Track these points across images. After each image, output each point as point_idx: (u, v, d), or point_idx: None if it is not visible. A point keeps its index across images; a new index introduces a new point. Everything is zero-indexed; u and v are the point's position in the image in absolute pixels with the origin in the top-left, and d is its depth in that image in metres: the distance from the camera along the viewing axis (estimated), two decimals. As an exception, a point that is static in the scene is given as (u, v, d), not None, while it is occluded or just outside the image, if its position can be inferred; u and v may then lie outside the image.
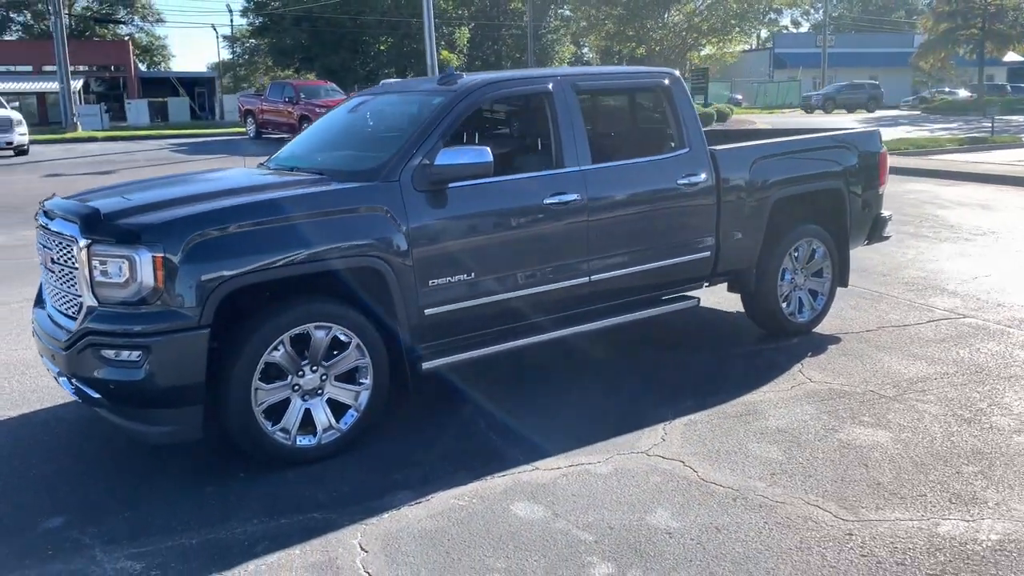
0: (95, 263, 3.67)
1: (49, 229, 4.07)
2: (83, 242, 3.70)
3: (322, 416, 4.03)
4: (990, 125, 24.94)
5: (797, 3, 50.90)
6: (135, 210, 3.88)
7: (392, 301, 4.12)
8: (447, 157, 4.23)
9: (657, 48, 45.39)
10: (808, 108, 47.00)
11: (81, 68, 44.42)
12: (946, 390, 4.85)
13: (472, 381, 5.01)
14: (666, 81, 5.37)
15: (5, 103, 23.61)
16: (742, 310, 6.07)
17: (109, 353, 3.65)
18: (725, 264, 5.49)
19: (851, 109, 46.48)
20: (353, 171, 4.43)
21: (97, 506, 3.66)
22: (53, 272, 4.08)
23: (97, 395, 3.70)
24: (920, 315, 6.41)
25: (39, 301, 4.48)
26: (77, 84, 40.74)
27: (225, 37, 58.78)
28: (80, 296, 3.78)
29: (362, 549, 3.28)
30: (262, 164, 5.37)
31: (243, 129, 29.28)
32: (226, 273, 3.68)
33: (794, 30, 77.19)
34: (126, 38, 56.91)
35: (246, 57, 58.82)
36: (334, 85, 29.41)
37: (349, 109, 5.61)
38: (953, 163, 17.32)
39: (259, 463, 3.94)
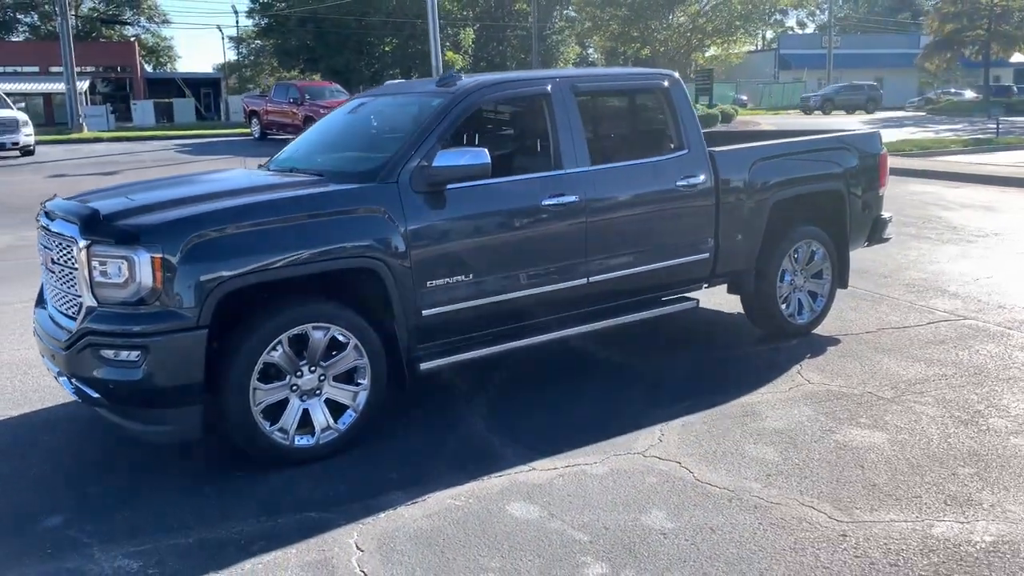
0: (94, 264, 3.70)
1: (49, 230, 4.10)
2: (83, 243, 3.72)
3: (320, 416, 4.05)
4: (995, 126, 24.88)
5: (803, 4, 50.83)
6: (134, 211, 3.90)
7: (390, 302, 4.14)
8: (445, 159, 4.25)
9: (662, 49, 45.41)
10: (806, 109, 46.80)
11: (87, 69, 44.60)
12: (944, 392, 4.85)
13: (470, 382, 5.03)
14: (665, 83, 5.38)
15: (11, 104, 23.69)
16: (742, 311, 6.08)
17: (108, 353, 3.68)
18: (724, 265, 5.50)
19: (850, 110, 46.26)
20: (352, 172, 4.46)
21: (96, 505, 3.69)
22: (54, 272, 4.11)
23: (96, 395, 3.73)
24: (920, 317, 6.41)
25: (40, 301, 4.52)
26: (83, 85, 40.89)
27: (231, 38, 59.25)
28: (80, 296, 3.81)
29: (358, 548, 3.30)
30: (262, 165, 5.40)
31: (248, 130, 29.35)
32: (224, 274, 3.70)
33: (800, 31, 77.10)
34: (132, 39, 57.08)
35: (251, 58, 59.00)
36: (338, 86, 29.49)
37: (349, 110, 5.63)
38: (957, 164, 17.29)
39: (257, 463, 3.96)
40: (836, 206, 6.02)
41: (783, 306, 5.82)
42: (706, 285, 5.65)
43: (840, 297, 6.31)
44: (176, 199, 4.08)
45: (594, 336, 5.17)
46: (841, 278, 6.09)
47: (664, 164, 5.22)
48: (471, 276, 4.40)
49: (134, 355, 3.63)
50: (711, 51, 48.88)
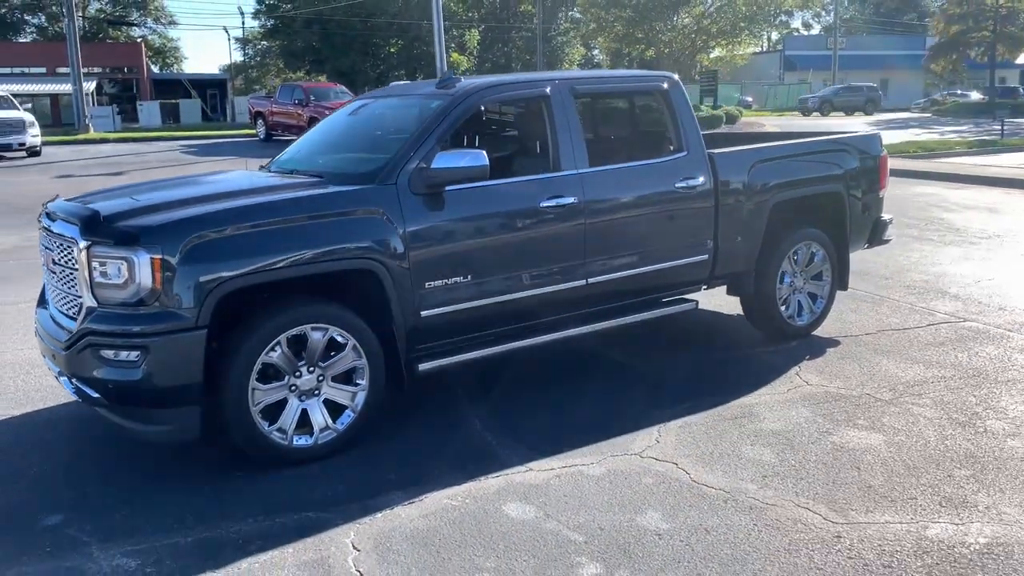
0: (94, 264, 3.73)
1: (51, 231, 4.14)
2: (83, 244, 3.76)
3: (319, 416, 4.07)
4: (1000, 128, 24.82)
5: (808, 5, 50.74)
6: (134, 212, 3.93)
7: (389, 303, 4.16)
8: (444, 160, 4.27)
9: (666, 50, 45.40)
10: (804, 111, 46.64)
11: (94, 70, 44.77)
12: (942, 394, 4.85)
13: (468, 382, 5.05)
14: (664, 84, 5.40)
15: (18, 105, 23.80)
16: (741, 313, 6.09)
17: (108, 353, 3.71)
18: (723, 267, 5.51)
19: (849, 112, 46.06)
20: (351, 174, 4.48)
21: (95, 504, 3.71)
22: (55, 273, 4.14)
23: (96, 395, 3.76)
24: (920, 319, 6.41)
25: (42, 302, 4.56)
26: (90, 86, 41.07)
27: (237, 39, 59.10)
28: (80, 297, 3.84)
29: (354, 548, 3.32)
30: (264, 166, 5.43)
31: (253, 131, 29.44)
32: (223, 275, 3.72)
33: (805, 32, 76.99)
34: (139, 40, 57.31)
35: (258, 59, 59.16)
36: (343, 87, 29.56)
37: (349, 112, 5.66)
38: (961, 166, 17.26)
39: (256, 462, 3.99)
40: (836, 208, 6.02)
41: (783, 308, 5.83)
42: (705, 287, 5.66)
43: (841, 299, 6.32)
44: (176, 200, 4.11)
45: (595, 336, 5.18)
46: (841, 280, 6.10)
47: (663, 166, 5.23)
48: (470, 277, 4.41)
49: (133, 355, 3.66)
50: (716, 52, 48.87)
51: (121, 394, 3.72)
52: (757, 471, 3.91)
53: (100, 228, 3.78)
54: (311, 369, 4.02)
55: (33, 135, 22.33)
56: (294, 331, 3.92)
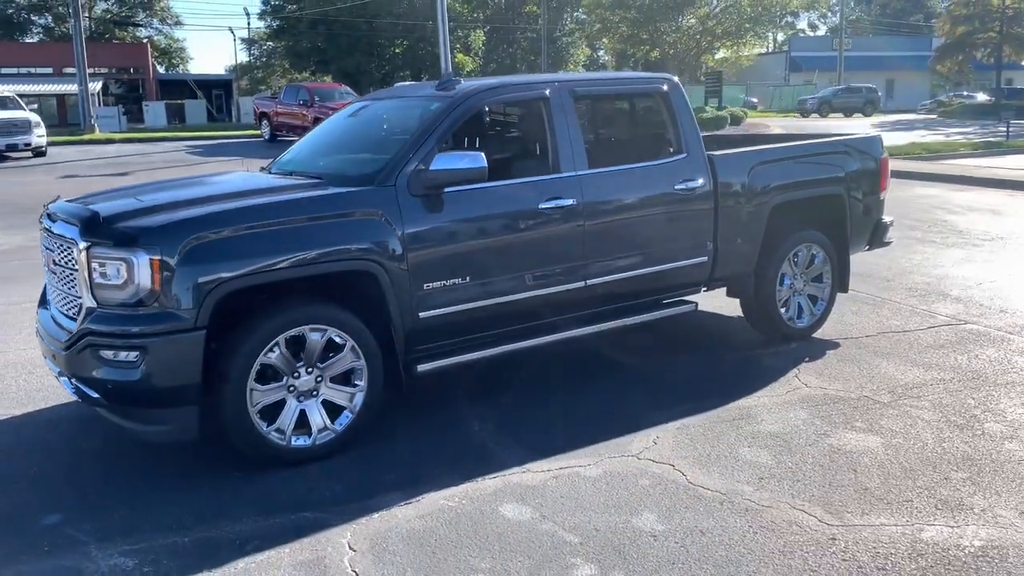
0: (94, 265, 3.75)
1: (52, 231, 4.17)
2: (82, 244, 3.78)
3: (317, 417, 4.09)
4: (1006, 130, 24.75)
5: (813, 6, 50.62)
6: (133, 213, 3.96)
7: (387, 304, 4.18)
8: (442, 162, 4.28)
9: (671, 51, 45.34)
10: (803, 112, 46.48)
11: (100, 70, 44.91)
12: (941, 396, 4.85)
13: (467, 383, 5.06)
14: (664, 87, 5.40)
15: (23, 105, 23.89)
16: (741, 315, 6.09)
17: (107, 354, 3.73)
18: (723, 269, 5.52)
19: (848, 113, 45.84)
20: (350, 175, 4.50)
21: (94, 504, 3.74)
22: (55, 274, 4.17)
23: (96, 395, 3.79)
24: (921, 321, 6.40)
25: (43, 302, 4.59)
26: (96, 86, 41.18)
27: (242, 40, 59.44)
28: (80, 297, 3.86)
29: (351, 548, 3.33)
30: (264, 168, 5.45)
31: (259, 132, 29.50)
32: (222, 276, 3.74)
33: (811, 33, 76.82)
34: (145, 41, 57.41)
35: (263, 60, 59.25)
36: (348, 88, 29.59)
37: (350, 114, 5.68)
38: (965, 168, 17.22)
39: (254, 463, 4.00)
40: (837, 210, 6.02)
41: (783, 310, 5.83)
42: (705, 288, 5.66)
43: (841, 301, 6.31)
44: (175, 202, 4.13)
45: (594, 338, 5.19)
46: (841, 282, 6.10)
47: (663, 168, 5.24)
48: (468, 279, 4.43)
49: (132, 356, 3.68)
50: (721, 53, 48.75)
51: (120, 394, 3.74)
52: (754, 473, 3.92)
53: (100, 229, 3.80)
54: (309, 370, 4.04)
55: (39, 135, 22.41)
56: (293, 332, 3.93)
